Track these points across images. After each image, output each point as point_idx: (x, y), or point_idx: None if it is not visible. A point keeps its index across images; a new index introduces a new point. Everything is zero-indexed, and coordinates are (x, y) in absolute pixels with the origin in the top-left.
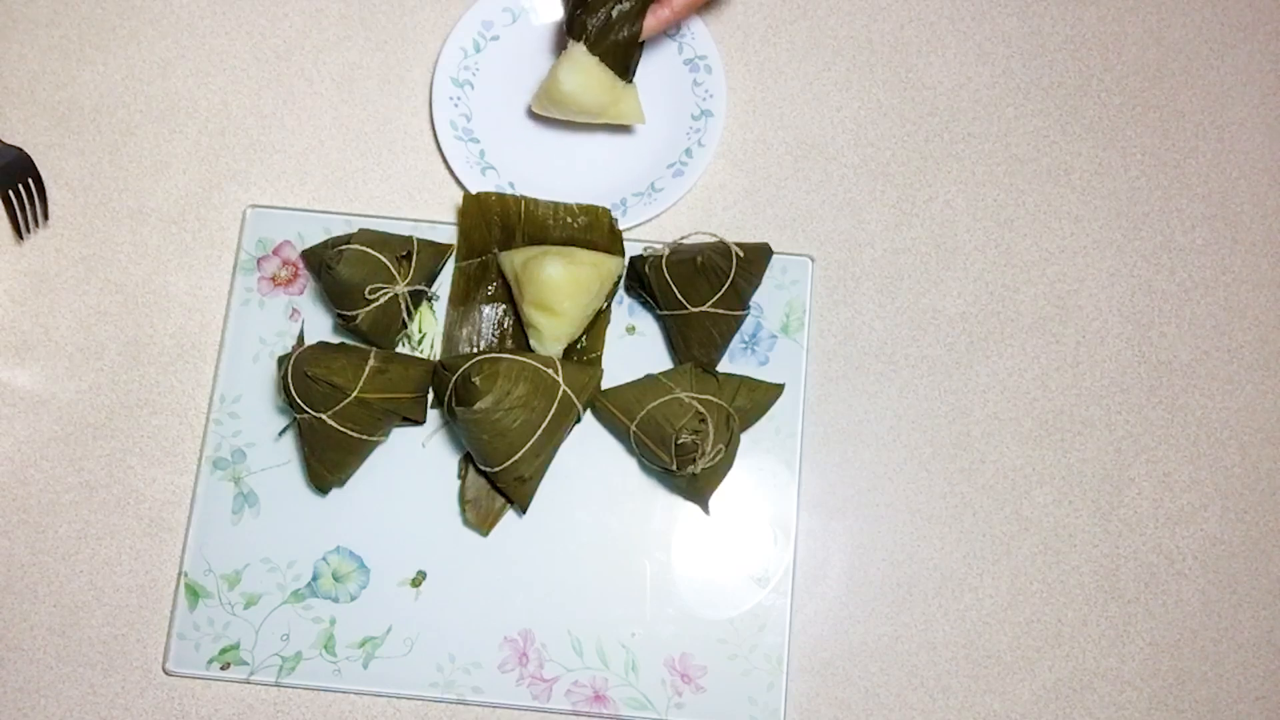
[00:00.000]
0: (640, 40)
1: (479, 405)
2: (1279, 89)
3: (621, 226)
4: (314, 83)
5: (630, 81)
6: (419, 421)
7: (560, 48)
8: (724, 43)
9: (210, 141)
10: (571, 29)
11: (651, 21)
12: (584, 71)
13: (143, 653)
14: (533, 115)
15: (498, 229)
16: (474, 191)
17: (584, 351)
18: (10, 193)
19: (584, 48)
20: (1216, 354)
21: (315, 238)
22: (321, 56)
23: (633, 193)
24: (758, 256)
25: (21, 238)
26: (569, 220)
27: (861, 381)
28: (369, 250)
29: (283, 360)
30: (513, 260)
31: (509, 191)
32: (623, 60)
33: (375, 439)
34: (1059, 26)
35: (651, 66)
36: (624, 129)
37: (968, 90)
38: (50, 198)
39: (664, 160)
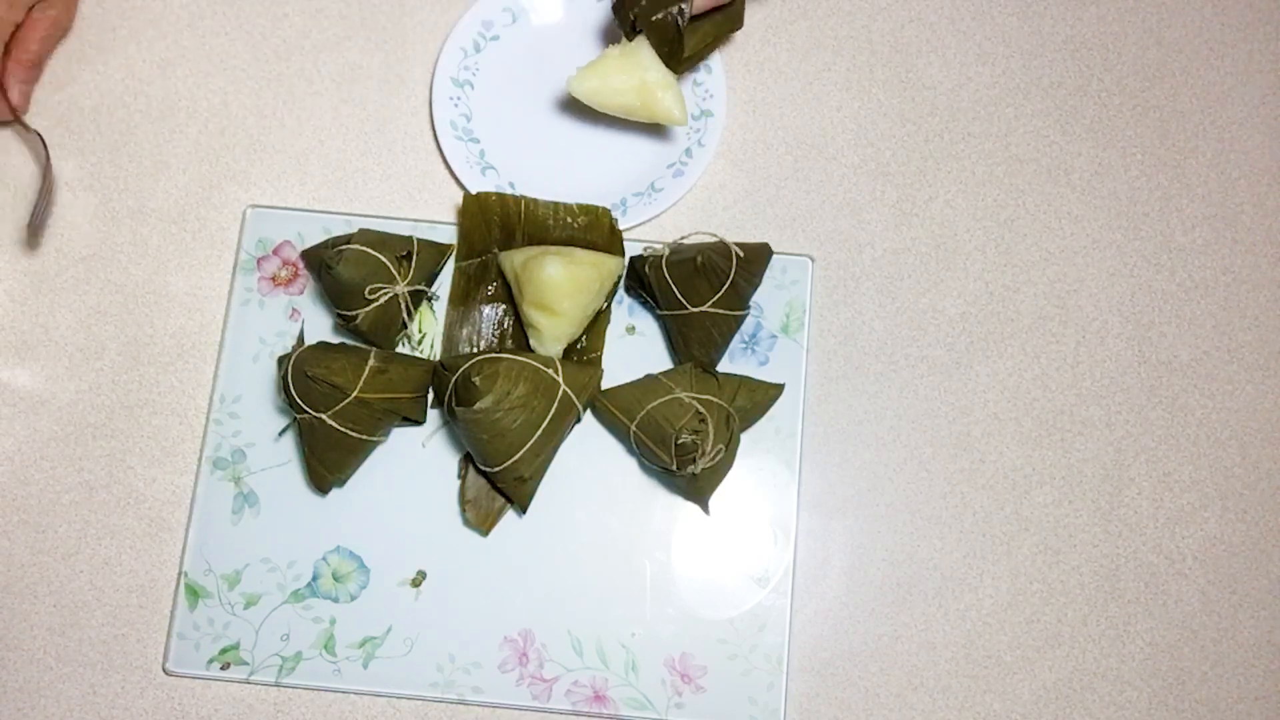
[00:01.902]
0: (692, 16)
1: (479, 405)
2: (1279, 89)
3: (621, 226)
4: (314, 83)
5: (680, 72)
6: (419, 421)
7: (611, 34)
8: (724, 43)
9: (210, 141)
10: (617, 10)
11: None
12: (609, 70)
13: (143, 653)
14: (532, 115)
15: (498, 229)
16: (474, 191)
17: (584, 351)
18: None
19: (622, 45)
20: (1216, 354)
21: (315, 238)
22: (321, 56)
23: (633, 193)
24: (758, 256)
25: (33, 235)
26: (569, 220)
27: (861, 381)
28: (369, 250)
29: (283, 360)
30: (513, 260)
31: (509, 191)
32: (668, 42)
33: (375, 439)
34: (1059, 26)
35: None
36: (624, 128)
37: (968, 90)
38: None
39: (664, 160)
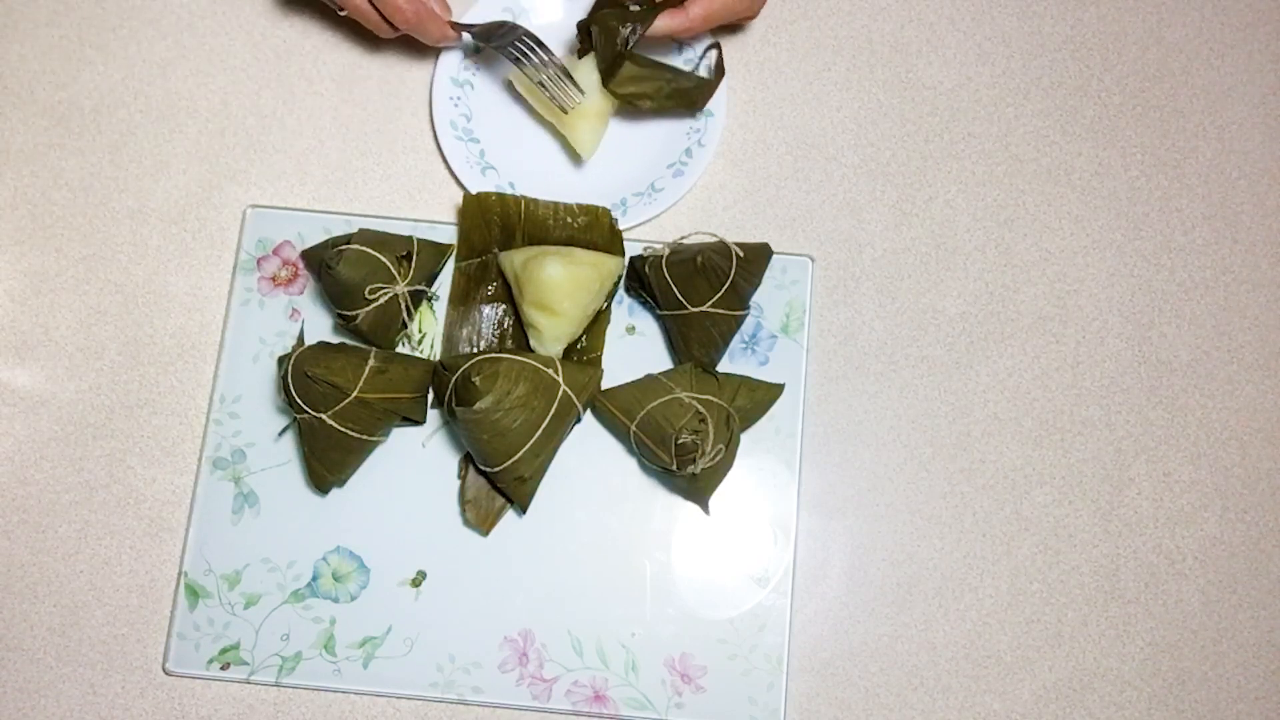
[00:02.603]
0: (638, 37)
1: (479, 405)
2: (1279, 89)
3: (621, 226)
4: (314, 83)
5: (611, 92)
6: (419, 421)
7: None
8: (724, 43)
9: (210, 141)
10: (580, 25)
11: (663, 24)
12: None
13: (143, 653)
14: (532, 115)
15: (498, 229)
16: (474, 191)
17: (584, 351)
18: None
19: (570, 59)
20: (1216, 354)
21: (315, 238)
22: (321, 56)
23: (633, 193)
24: (758, 256)
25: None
26: (569, 220)
27: (861, 381)
28: (369, 250)
29: (283, 360)
30: (513, 260)
31: (509, 191)
32: (611, 56)
33: (375, 439)
34: (1059, 26)
35: None
36: (624, 128)
37: (968, 90)
38: (50, 197)
39: (664, 160)
